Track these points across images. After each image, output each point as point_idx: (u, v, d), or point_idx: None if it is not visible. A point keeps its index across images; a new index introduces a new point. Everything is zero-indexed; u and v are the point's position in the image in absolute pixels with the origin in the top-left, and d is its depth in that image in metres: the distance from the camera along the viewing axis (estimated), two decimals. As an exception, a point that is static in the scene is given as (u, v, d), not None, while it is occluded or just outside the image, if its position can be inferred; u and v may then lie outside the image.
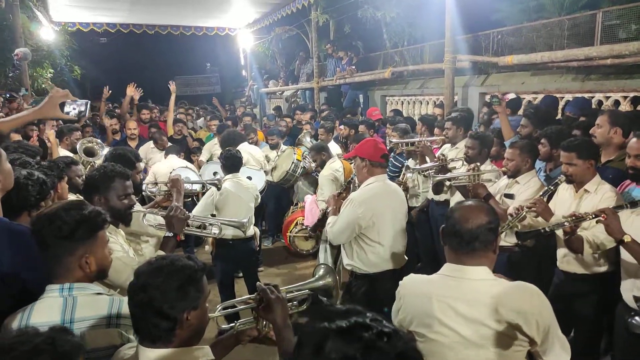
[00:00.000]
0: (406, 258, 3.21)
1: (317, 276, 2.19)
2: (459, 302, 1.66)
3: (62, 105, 2.34)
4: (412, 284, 1.85)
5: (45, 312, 1.54)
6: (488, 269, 1.71)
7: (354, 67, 9.22)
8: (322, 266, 2.20)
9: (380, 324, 0.93)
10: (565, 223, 2.51)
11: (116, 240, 2.27)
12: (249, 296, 1.86)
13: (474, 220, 1.68)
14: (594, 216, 2.44)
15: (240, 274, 4.59)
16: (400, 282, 1.87)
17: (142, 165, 5.62)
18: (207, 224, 3.01)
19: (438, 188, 4.12)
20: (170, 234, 2.41)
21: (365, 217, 2.94)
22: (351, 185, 3.59)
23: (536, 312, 1.61)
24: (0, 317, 1.61)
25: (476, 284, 1.67)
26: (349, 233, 3.00)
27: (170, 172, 4.71)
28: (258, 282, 1.78)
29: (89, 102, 2.60)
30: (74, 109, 2.43)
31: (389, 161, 4.57)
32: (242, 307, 1.85)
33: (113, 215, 2.20)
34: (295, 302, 1.97)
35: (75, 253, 1.61)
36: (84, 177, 3.20)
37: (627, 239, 2.37)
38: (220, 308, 1.84)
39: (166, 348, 1.39)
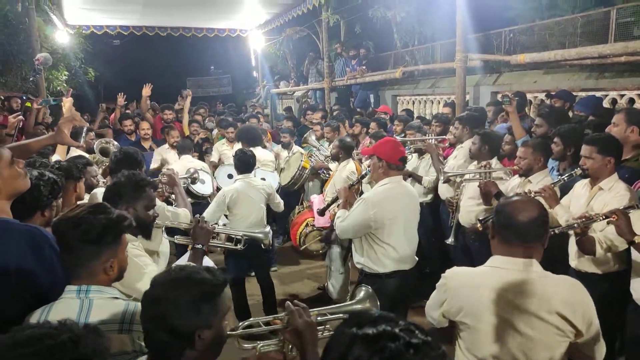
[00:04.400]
0: (416, 259, 3.21)
1: (356, 299, 1.90)
2: (510, 293, 1.70)
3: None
4: (459, 276, 1.87)
5: (61, 313, 1.52)
6: (536, 262, 1.75)
7: (364, 67, 9.22)
8: (363, 288, 1.93)
9: (411, 335, 0.90)
10: (575, 224, 2.49)
11: (142, 250, 2.18)
12: (275, 315, 1.71)
13: (527, 213, 1.73)
14: (604, 217, 2.42)
15: (252, 273, 4.62)
16: (444, 275, 1.89)
17: (156, 165, 5.68)
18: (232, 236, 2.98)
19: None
20: (199, 246, 2.34)
21: (377, 219, 2.93)
22: (363, 180, 3.57)
23: (582, 303, 1.70)
24: (12, 322, 1.61)
25: (527, 275, 1.72)
26: (357, 231, 3.03)
27: (189, 169, 4.76)
28: (287, 302, 1.61)
29: (86, 127, 2.86)
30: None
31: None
32: (267, 327, 1.71)
33: (138, 226, 2.13)
34: (328, 327, 1.71)
35: (102, 257, 1.60)
36: (98, 177, 3.26)
37: (638, 239, 2.36)
38: (242, 326, 1.68)
39: None
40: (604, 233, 2.63)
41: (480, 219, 3.51)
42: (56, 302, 1.58)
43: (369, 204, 2.94)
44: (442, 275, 1.90)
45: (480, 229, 3.36)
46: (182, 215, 3.01)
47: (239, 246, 2.96)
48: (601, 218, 2.44)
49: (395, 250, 3.01)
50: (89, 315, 1.55)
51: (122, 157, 3.10)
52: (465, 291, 1.79)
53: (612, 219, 2.39)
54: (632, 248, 2.50)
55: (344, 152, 4.82)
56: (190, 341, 1.30)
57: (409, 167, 4.74)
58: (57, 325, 1.01)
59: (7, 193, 1.79)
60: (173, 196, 3.40)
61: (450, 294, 1.82)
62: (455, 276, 1.87)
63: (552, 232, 2.47)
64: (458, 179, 3.92)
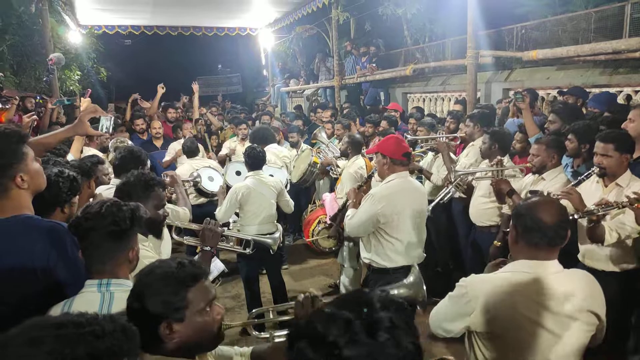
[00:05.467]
0: (424, 255, 3.22)
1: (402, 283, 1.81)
2: (542, 296, 1.69)
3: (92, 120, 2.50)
4: (484, 284, 1.77)
5: (83, 306, 1.49)
6: (557, 262, 1.76)
7: (374, 64, 9.19)
8: (414, 272, 1.84)
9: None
10: (594, 210, 2.45)
11: (152, 251, 2.20)
12: (289, 304, 1.65)
13: (554, 216, 1.71)
14: (624, 205, 2.39)
15: (264, 270, 4.64)
16: (462, 284, 1.79)
17: (169, 158, 5.74)
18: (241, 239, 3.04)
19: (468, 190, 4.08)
20: (207, 248, 2.37)
21: (385, 213, 2.96)
22: (371, 180, 3.59)
23: (599, 294, 1.77)
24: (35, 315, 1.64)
25: (555, 277, 1.72)
26: (366, 227, 3.04)
27: (192, 173, 4.82)
28: (301, 293, 1.57)
29: (113, 117, 2.68)
30: (106, 128, 2.61)
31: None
32: (278, 318, 1.66)
33: (148, 225, 2.15)
34: None
35: (128, 248, 1.63)
36: (110, 175, 3.30)
37: None
38: (252, 315, 1.67)
39: (152, 355, 1.32)
40: (615, 221, 2.61)
41: (499, 243, 3.53)
42: (77, 296, 1.60)
43: (377, 198, 2.98)
44: (460, 284, 1.79)
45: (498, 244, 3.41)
46: (182, 213, 3.06)
47: (248, 250, 2.98)
48: (622, 205, 2.40)
49: (403, 245, 3.04)
50: (111, 309, 1.57)
51: (126, 155, 3.13)
52: (496, 299, 1.70)
53: (636, 206, 2.35)
54: None
55: (352, 147, 4.82)
56: (159, 334, 1.30)
57: (424, 165, 4.72)
58: (90, 316, 0.99)
59: (33, 189, 1.82)
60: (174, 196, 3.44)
61: (478, 304, 1.71)
62: (478, 285, 1.76)
63: (571, 217, 2.38)
64: (469, 177, 3.89)
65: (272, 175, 4.83)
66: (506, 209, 3.52)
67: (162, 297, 1.31)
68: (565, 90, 5.25)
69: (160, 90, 7.42)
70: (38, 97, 7.33)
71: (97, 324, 0.96)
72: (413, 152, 4.42)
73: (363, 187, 3.42)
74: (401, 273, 3.02)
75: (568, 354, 1.71)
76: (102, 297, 1.58)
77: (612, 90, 5.28)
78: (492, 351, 1.75)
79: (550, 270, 1.72)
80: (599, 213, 2.45)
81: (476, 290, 1.74)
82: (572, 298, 1.69)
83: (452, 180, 3.95)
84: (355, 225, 3.09)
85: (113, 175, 3.21)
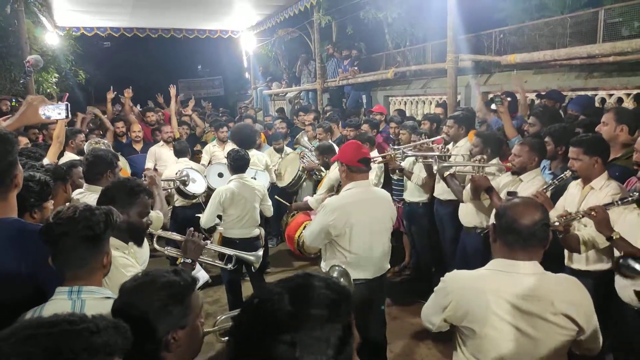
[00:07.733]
0: (388, 267, 3.10)
1: None
2: (515, 296, 1.68)
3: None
4: (461, 280, 1.82)
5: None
6: (537, 263, 1.74)
7: (356, 67, 9.24)
8: (336, 268, 1.92)
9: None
10: (556, 222, 2.52)
11: (131, 259, 2.15)
12: None
13: (530, 217, 1.71)
14: (583, 215, 2.47)
15: (247, 276, 4.60)
16: (443, 279, 1.83)
17: (151, 164, 5.70)
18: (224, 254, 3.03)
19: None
20: (189, 260, 2.36)
21: (337, 225, 2.82)
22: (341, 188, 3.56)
23: (584, 302, 1.73)
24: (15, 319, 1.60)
25: (530, 278, 1.71)
26: (320, 238, 2.91)
27: (176, 173, 4.79)
28: None
29: (69, 104, 2.37)
30: (59, 113, 2.29)
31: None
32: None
33: (130, 232, 2.14)
34: None
35: (101, 253, 1.61)
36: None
37: (615, 236, 2.41)
38: (220, 321, 1.67)
39: None
40: (587, 230, 2.67)
41: (479, 231, 3.54)
42: (47, 304, 1.56)
43: (328, 209, 2.85)
44: (442, 279, 1.85)
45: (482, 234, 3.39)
46: (154, 217, 2.98)
47: (229, 266, 2.94)
48: (580, 215, 2.48)
49: (357, 259, 2.87)
50: None
51: (93, 160, 2.99)
52: (469, 295, 1.74)
53: (592, 214, 2.42)
54: None
55: (328, 155, 4.82)
56: (164, 344, 1.30)
57: (405, 165, 4.70)
58: (81, 315, 1.00)
59: (19, 189, 1.80)
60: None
61: (453, 298, 1.76)
62: (456, 280, 1.82)
63: None
64: (452, 170, 3.88)
65: (254, 178, 4.81)
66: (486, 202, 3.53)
67: (171, 307, 1.31)
68: (543, 93, 5.36)
69: (127, 93, 7.51)
70: (14, 100, 7.17)
71: (90, 321, 0.97)
72: (394, 152, 4.43)
73: (334, 194, 3.35)
74: (355, 286, 2.81)
75: (543, 356, 1.69)
76: (72, 305, 1.55)
77: (587, 93, 5.40)
78: (471, 347, 1.77)
79: (526, 271, 1.71)
80: (561, 224, 2.51)
81: (454, 285, 1.80)
82: (548, 301, 1.67)
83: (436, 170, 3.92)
84: (309, 236, 2.96)
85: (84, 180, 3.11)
